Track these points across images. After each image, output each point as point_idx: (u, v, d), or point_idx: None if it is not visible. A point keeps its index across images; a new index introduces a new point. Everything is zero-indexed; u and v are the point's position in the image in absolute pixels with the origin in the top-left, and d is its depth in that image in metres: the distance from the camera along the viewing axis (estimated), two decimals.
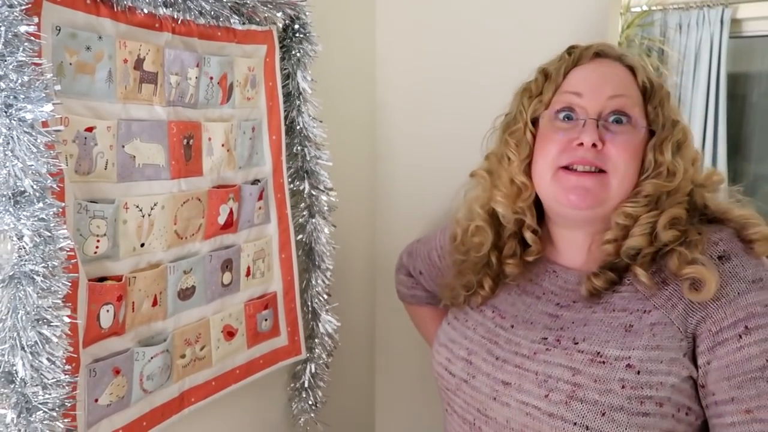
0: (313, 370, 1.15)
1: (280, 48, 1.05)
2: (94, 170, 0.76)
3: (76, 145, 0.73)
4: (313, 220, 1.12)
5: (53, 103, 0.63)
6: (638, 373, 0.73)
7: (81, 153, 0.74)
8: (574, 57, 0.86)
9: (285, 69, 1.06)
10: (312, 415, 1.16)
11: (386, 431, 1.50)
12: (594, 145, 0.79)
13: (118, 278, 0.79)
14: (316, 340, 1.15)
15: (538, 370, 0.78)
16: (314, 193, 1.11)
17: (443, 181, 1.32)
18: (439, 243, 1.09)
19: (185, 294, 0.90)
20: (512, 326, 0.85)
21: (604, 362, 0.74)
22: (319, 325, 1.15)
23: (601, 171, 0.79)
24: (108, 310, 0.76)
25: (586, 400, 0.73)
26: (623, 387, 0.73)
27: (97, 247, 0.76)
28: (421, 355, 1.40)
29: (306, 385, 1.14)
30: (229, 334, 0.98)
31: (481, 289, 0.90)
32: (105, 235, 0.76)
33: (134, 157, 0.81)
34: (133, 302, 0.81)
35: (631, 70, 0.85)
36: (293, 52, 1.06)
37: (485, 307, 0.90)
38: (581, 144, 0.79)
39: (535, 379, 0.77)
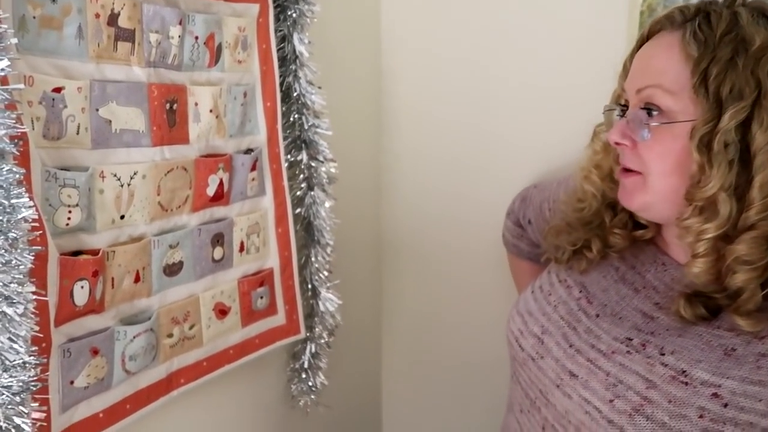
0: (313, 350, 1.10)
1: (275, 8, 0.97)
2: (65, 135, 0.70)
3: (43, 107, 0.67)
4: (312, 193, 1.06)
5: (8, 58, 0.57)
6: (725, 406, 0.62)
7: (49, 116, 0.68)
8: (642, 35, 0.73)
9: (280, 30, 0.99)
10: (312, 397, 1.11)
11: (394, 414, 1.45)
12: (620, 144, 0.70)
13: (95, 252, 0.73)
14: (316, 319, 1.09)
15: (610, 371, 0.69)
16: (313, 164, 1.05)
17: (453, 151, 1.25)
18: (553, 195, 0.98)
19: (171, 270, 0.85)
20: (597, 315, 0.75)
21: (687, 383, 0.64)
22: (320, 303, 1.09)
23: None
24: (83, 287, 0.70)
25: (653, 419, 0.64)
26: (701, 417, 0.62)
27: (69, 219, 0.70)
28: (431, 334, 1.35)
29: (306, 365, 1.09)
30: (222, 312, 0.93)
31: (588, 251, 0.80)
32: (77, 205, 0.70)
33: (110, 121, 0.74)
34: (113, 278, 0.76)
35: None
36: (289, 13, 0.99)
37: (574, 284, 0.81)
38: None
39: (605, 380, 0.69)
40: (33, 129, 0.67)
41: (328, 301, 1.10)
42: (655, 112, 0.67)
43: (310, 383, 1.10)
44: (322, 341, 1.11)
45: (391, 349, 1.43)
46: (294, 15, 0.99)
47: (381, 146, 1.33)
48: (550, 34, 1.09)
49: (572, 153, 1.09)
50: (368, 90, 1.29)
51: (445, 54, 1.22)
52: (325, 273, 1.09)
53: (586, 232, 0.81)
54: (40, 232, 0.63)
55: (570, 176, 0.93)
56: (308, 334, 1.09)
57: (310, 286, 1.08)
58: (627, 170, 0.72)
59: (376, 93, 1.31)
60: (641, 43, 0.73)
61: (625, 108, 0.73)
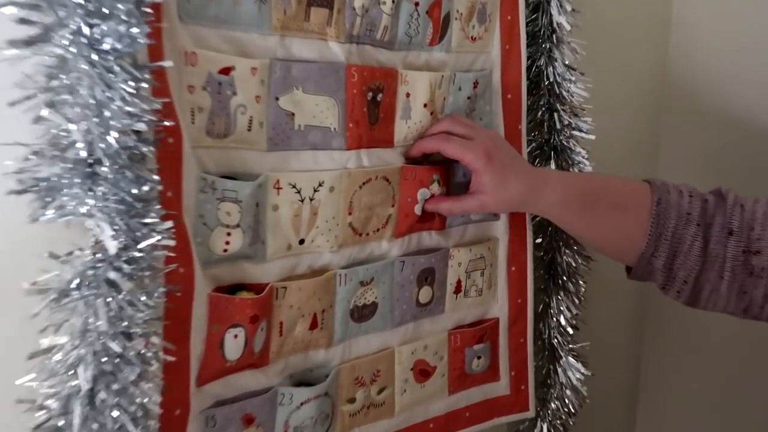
0: None
1: None
2: (233, 132, 0.53)
3: (207, 93, 0.51)
4: None
5: (151, 24, 0.40)
6: None
7: (214, 106, 0.51)
8: None
9: None
10: None
11: None
12: None
13: (260, 288, 0.55)
14: (553, 392, 0.80)
15: None
16: None
17: (749, 168, 0.87)
18: None
19: (361, 314, 0.64)
20: None
21: None
22: (559, 371, 0.79)
23: None
24: (236, 336, 0.53)
25: None
26: None
27: (227, 243, 0.53)
28: (704, 426, 0.96)
29: None
30: (423, 373, 0.69)
31: None
32: (239, 225, 0.53)
33: (293, 114, 0.56)
34: (281, 322, 0.57)
35: None
36: None
37: None
38: None
39: None
40: (193, 123, 0.50)
41: (572, 368, 0.80)
42: None
43: None
44: (559, 422, 0.81)
45: None
46: None
47: (659, 157, 0.99)
48: None
49: None
50: (648, 79, 0.95)
51: (756, 32, 0.84)
52: (570, 330, 0.79)
53: None
54: (177, 264, 0.46)
55: None
56: (539, 411, 0.80)
57: (547, 345, 0.80)
58: None
59: (658, 83, 0.96)
60: None
61: None
